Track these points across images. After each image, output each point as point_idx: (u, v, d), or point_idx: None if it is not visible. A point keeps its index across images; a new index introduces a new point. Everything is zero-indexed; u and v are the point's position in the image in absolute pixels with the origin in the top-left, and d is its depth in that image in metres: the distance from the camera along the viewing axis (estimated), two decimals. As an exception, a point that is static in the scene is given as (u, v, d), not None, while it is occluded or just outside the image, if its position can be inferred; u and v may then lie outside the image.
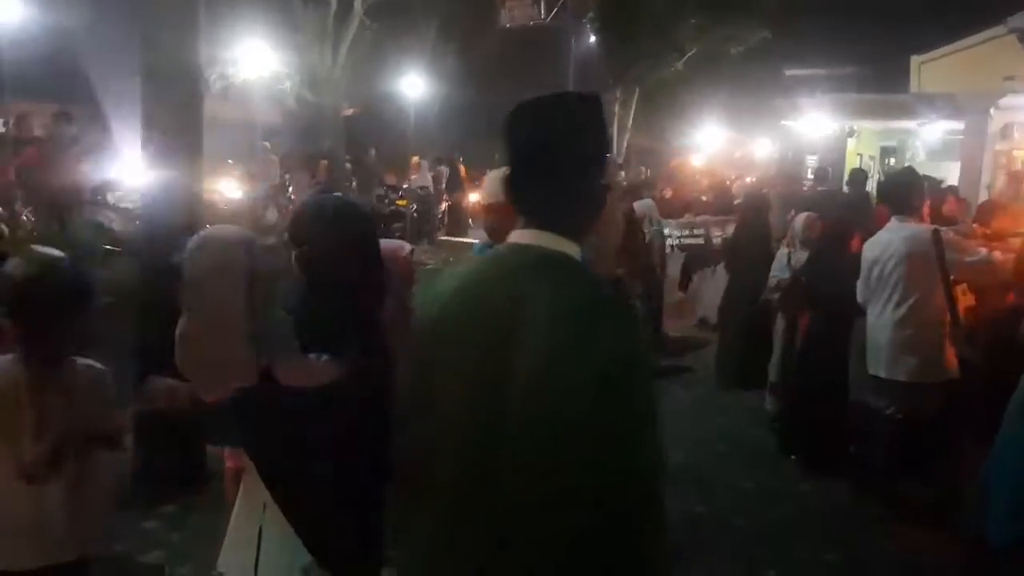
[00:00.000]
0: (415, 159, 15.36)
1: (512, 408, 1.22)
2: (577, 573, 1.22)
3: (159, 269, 4.06)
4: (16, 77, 10.80)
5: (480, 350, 1.28)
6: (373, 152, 15.79)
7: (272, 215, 10.46)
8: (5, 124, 10.80)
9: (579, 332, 1.24)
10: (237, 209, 9.98)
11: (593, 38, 22.20)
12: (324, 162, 13.29)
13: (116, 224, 8.99)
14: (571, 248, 1.36)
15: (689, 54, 19.70)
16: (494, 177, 3.17)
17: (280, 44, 13.17)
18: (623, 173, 8.99)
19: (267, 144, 14.70)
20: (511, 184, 1.42)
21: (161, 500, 3.90)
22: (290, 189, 12.63)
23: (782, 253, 5.54)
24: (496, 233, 3.09)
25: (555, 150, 1.35)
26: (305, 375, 2.13)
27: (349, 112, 15.31)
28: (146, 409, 3.60)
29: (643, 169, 21.81)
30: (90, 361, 2.28)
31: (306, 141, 14.92)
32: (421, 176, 15.27)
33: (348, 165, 14.63)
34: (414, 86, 15.88)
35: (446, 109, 19.82)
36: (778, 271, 5.49)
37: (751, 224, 6.50)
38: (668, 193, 11.37)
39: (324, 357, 2.16)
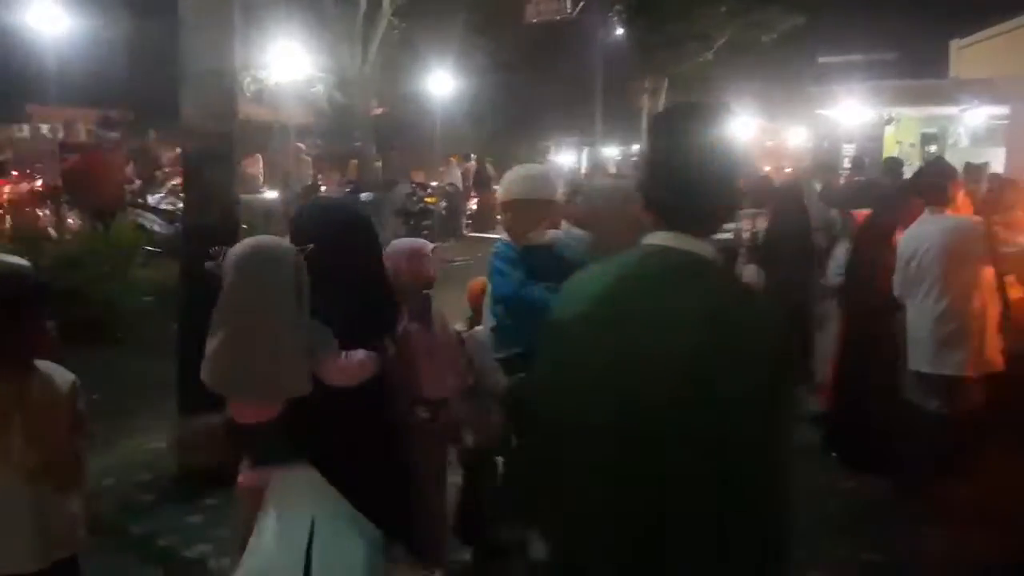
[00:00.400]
0: (455, 157, 15.51)
1: (690, 392, 1.34)
2: (740, 546, 1.33)
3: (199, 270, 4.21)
4: (62, 84, 11.15)
5: (654, 342, 1.38)
6: (395, 150, 15.96)
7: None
8: (52, 130, 11.19)
9: (747, 324, 1.38)
10: (271, 209, 10.16)
11: (620, 29, 22.09)
12: (354, 161, 13.47)
13: (156, 226, 9.24)
14: (708, 250, 1.47)
15: (719, 43, 19.50)
16: (513, 175, 3.14)
17: (311, 46, 13.37)
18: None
19: (300, 145, 14.93)
20: (652, 187, 1.51)
21: (204, 495, 3.99)
22: (322, 189, 12.82)
23: (841, 250, 5.25)
24: (514, 230, 3.04)
25: (706, 156, 1.45)
26: (349, 374, 2.21)
27: (378, 111, 15.47)
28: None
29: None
30: (55, 367, 2.23)
31: (337, 141, 15.11)
32: (450, 173, 15.39)
33: (378, 164, 14.80)
34: (442, 83, 15.98)
35: (474, 106, 19.90)
36: (837, 269, 5.21)
37: (786, 217, 6.31)
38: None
39: (360, 353, 2.24)
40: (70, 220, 8.86)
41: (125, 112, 11.69)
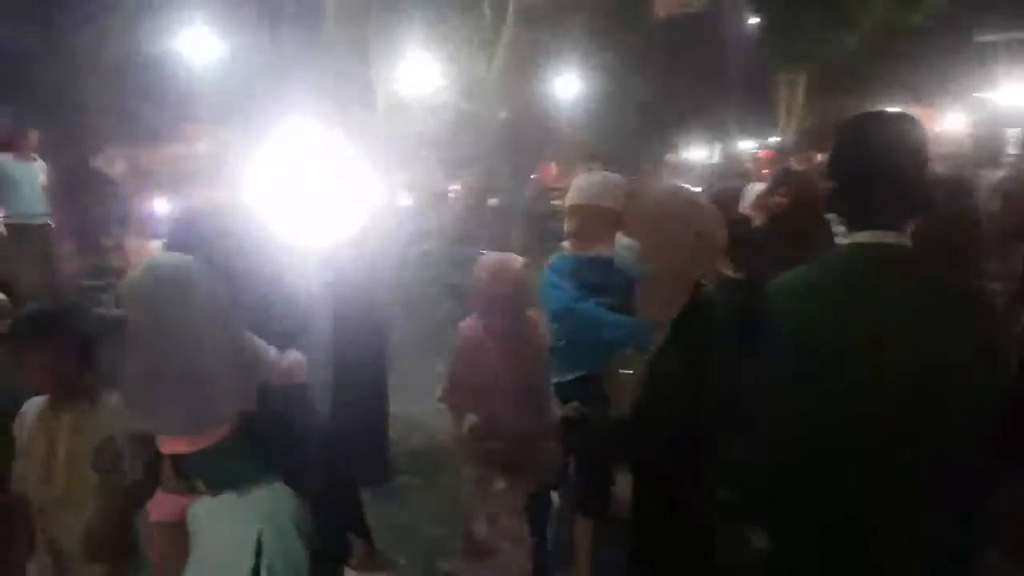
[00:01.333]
0: (578, 158, 15.59)
1: (941, 382, 1.50)
2: (970, 520, 1.52)
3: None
4: (211, 105, 12.30)
5: (890, 337, 1.54)
6: (519, 154, 16.23)
7: (432, 223, 11.10)
8: (206, 147, 12.36)
9: (964, 319, 1.55)
10: (403, 217, 10.68)
11: (753, 19, 21.43)
12: (478, 169, 13.86)
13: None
14: (908, 245, 1.64)
15: (864, 27, 18.54)
16: (583, 179, 3.08)
17: (438, 56, 13.89)
18: (791, 160, 8.70)
19: (428, 154, 15.51)
20: (850, 189, 1.68)
21: None
22: (450, 196, 13.30)
23: None
24: (578, 238, 2.97)
25: (908, 160, 1.62)
26: (291, 374, 2.12)
27: (504, 116, 15.82)
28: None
29: (814, 155, 20.68)
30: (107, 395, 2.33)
31: (463, 148, 15.58)
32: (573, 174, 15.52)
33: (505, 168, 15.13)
34: (568, 85, 16.13)
35: (600, 106, 19.92)
36: None
37: (945, 216, 5.91)
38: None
39: (290, 353, 2.15)
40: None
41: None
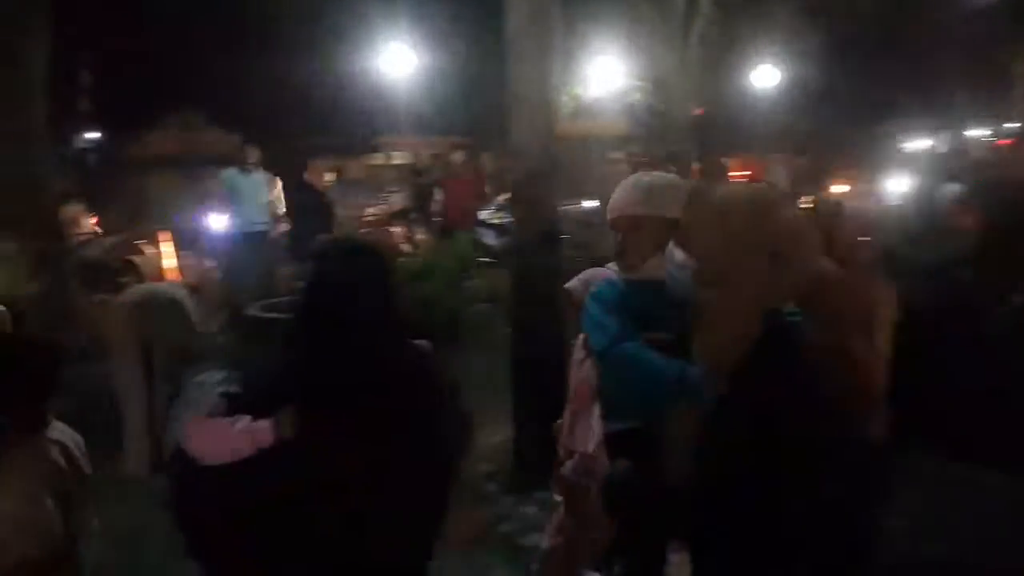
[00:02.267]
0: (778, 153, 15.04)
1: None
2: None
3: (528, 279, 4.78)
4: (408, 117, 13.25)
5: None
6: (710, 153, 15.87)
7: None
8: (401, 158, 13.48)
9: None
10: (589, 218, 10.87)
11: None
12: (672, 166, 13.70)
13: (489, 238, 10.53)
14: None
15: None
16: (630, 183, 2.51)
17: (628, 55, 13.91)
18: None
19: (616, 155, 15.57)
20: None
21: (537, 486, 4.28)
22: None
23: None
24: (628, 257, 2.41)
25: None
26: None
27: (698, 112, 15.53)
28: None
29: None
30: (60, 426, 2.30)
31: (655, 146, 15.48)
32: (773, 172, 14.90)
33: (697, 164, 14.88)
34: (766, 75, 15.53)
35: (803, 94, 18.95)
36: None
37: None
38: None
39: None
40: (419, 236, 10.48)
41: (464, 138, 13.42)
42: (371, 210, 12.71)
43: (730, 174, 13.18)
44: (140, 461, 3.32)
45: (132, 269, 8.37)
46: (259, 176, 9.07)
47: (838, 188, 13.27)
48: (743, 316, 1.46)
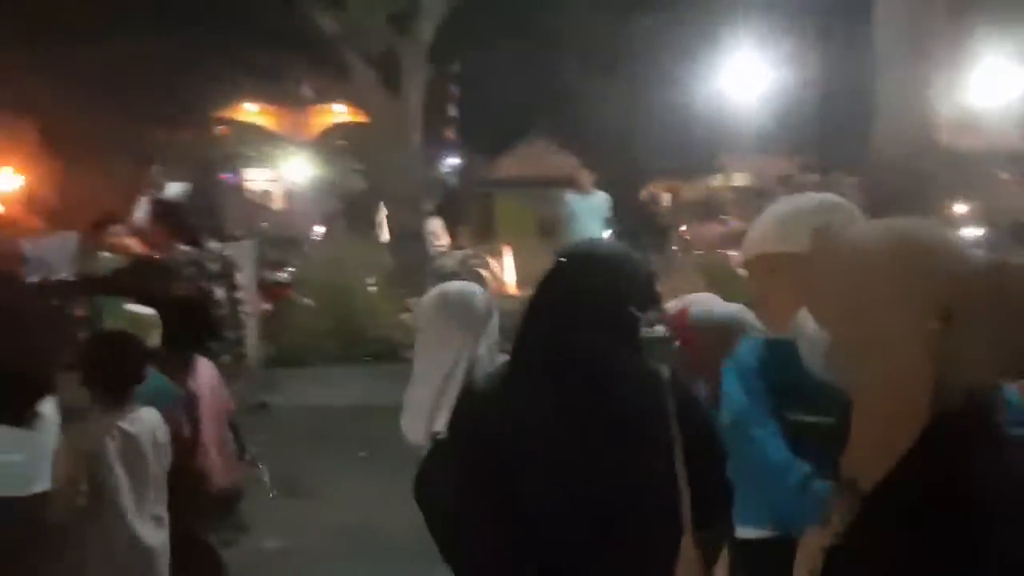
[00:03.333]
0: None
1: None
2: None
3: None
4: (754, 134, 12.93)
5: None
6: None
7: None
8: (743, 178, 13.19)
9: None
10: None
11: None
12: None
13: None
14: None
15: None
16: (774, 210, 1.89)
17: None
18: None
19: (1006, 175, 13.56)
20: None
21: None
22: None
23: None
24: (776, 310, 1.80)
25: None
26: None
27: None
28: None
29: None
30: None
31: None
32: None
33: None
34: None
35: None
36: None
37: None
38: None
39: None
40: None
41: (813, 158, 12.62)
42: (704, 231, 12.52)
43: None
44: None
45: (480, 280, 9.23)
46: (597, 199, 9.39)
47: None
48: (899, 406, 0.99)
